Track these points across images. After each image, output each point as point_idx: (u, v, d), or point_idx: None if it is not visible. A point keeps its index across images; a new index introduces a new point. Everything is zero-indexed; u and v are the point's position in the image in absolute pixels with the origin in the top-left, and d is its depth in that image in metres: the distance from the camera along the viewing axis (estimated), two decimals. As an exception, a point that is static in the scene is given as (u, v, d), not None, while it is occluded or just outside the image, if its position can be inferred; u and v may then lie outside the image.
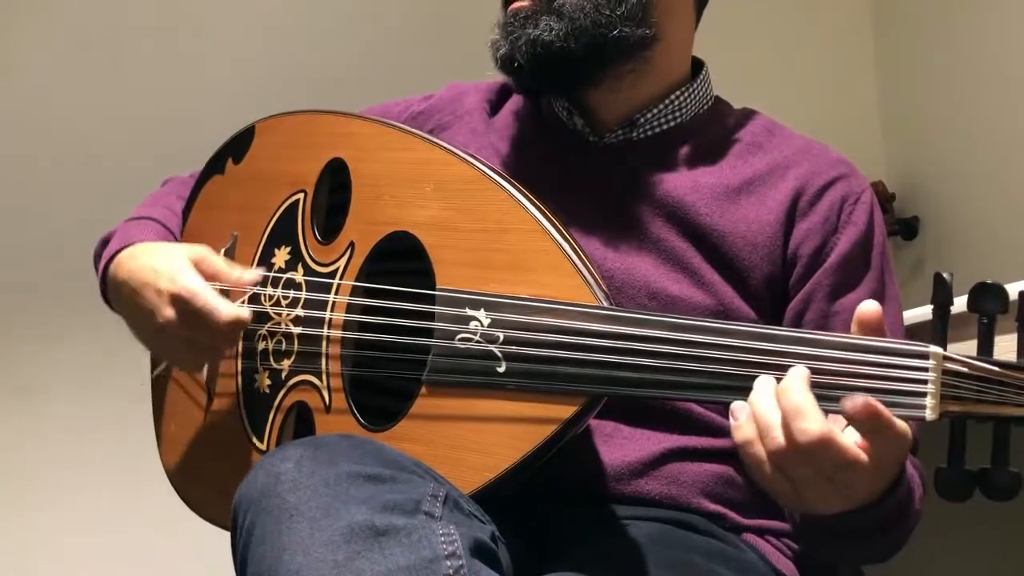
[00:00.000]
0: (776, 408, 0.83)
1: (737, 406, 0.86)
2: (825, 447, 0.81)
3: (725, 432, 1.14)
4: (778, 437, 0.82)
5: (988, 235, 2.30)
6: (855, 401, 0.80)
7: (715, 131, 1.25)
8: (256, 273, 1.14)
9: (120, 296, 1.19)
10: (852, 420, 0.82)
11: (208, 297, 1.08)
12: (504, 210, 1.02)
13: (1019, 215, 2.19)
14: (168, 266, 1.12)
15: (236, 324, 1.08)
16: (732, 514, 1.13)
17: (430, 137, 1.13)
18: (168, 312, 1.10)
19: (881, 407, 0.80)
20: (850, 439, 0.83)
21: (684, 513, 1.10)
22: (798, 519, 1.04)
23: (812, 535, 1.03)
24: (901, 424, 0.83)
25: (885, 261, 1.20)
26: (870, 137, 2.68)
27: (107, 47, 2.37)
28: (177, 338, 1.12)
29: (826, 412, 0.83)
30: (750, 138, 1.25)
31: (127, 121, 2.36)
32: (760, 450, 0.84)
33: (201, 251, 1.15)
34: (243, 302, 1.20)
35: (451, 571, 0.80)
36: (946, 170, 2.47)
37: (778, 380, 0.85)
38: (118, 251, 1.20)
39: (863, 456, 0.82)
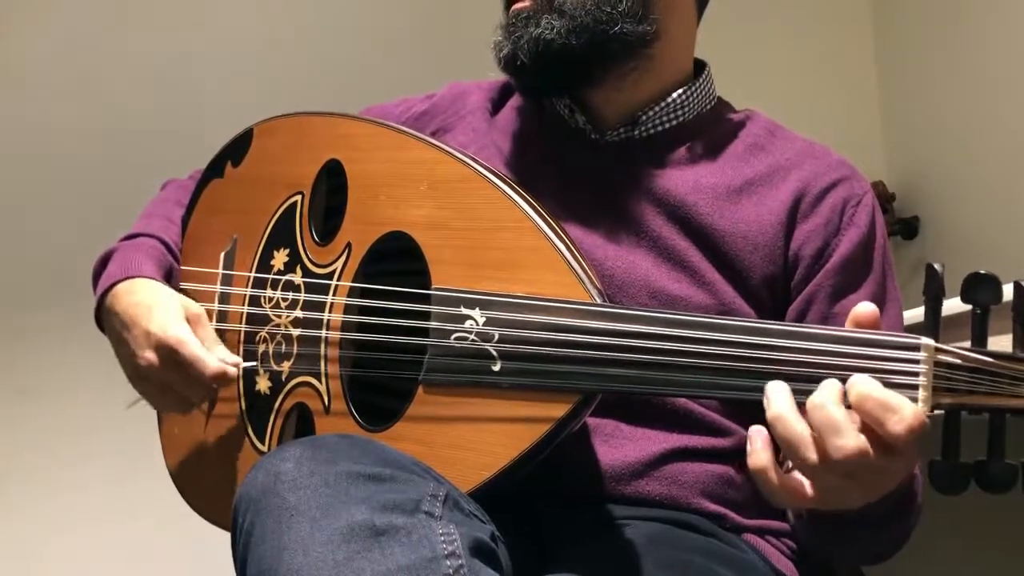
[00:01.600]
0: (801, 422, 0.81)
1: (755, 430, 0.84)
2: (863, 458, 0.80)
3: (726, 431, 1.14)
4: (809, 455, 0.80)
5: (988, 235, 2.30)
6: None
7: (717, 131, 1.25)
8: (235, 360, 1.12)
9: (111, 327, 1.20)
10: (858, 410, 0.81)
11: (196, 348, 1.09)
12: (498, 208, 1.02)
13: (1019, 215, 2.19)
14: (162, 312, 1.13)
15: (221, 378, 1.09)
16: (732, 515, 1.13)
17: (424, 136, 1.14)
18: (150, 356, 1.11)
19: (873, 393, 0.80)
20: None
21: (684, 514, 1.10)
22: (804, 517, 1.04)
23: (817, 532, 1.03)
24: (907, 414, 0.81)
25: (886, 263, 1.20)
26: (870, 137, 2.68)
27: (106, 50, 2.38)
28: (154, 382, 1.13)
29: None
30: (752, 139, 1.25)
31: (127, 123, 2.37)
32: (774, 477, 0.83)
33: (197, 310, 1.16)
34: (243, 303, 1.21)
35: (451, 571, 0.80)
36: (946, 170, 2.47)
37: (786, 379, 0.84)
38: (117, 281, 1.21)
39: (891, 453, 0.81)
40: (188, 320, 1.13)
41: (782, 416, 0.82)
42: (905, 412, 0.79)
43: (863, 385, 0.80)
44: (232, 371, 1.09)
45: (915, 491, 0.99)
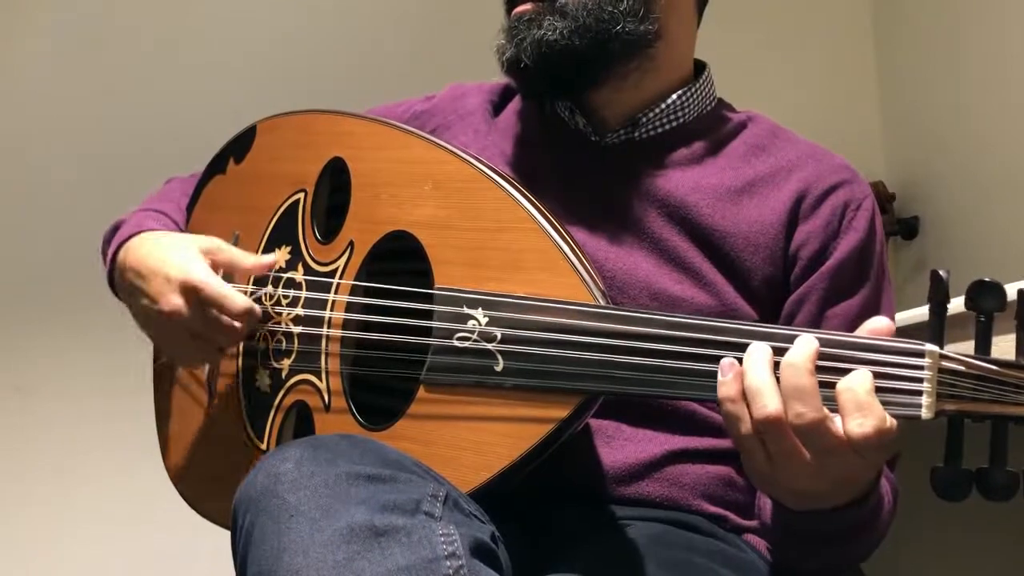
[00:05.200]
0: (770, 375, 0.84)
1: (727, 362, 0.87)
2: (819, 433, 0.82)
3: (727, 433, 1.14)
4: (767, 406, 0.83)
5: (988, 235, 2.29)
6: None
7: (718, 132, 1.25)
8: (270, 258, 1.17)
9: (127, 283, 1.19)
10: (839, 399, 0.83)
11: (220, 286, 1.10)
12: (501, 209, 1.02)
13: (1019, 215, 2.19)
14: (180, 255, 1.13)
15: (248, 314, 1.10)
16: (733, 516, 1.13)
17: (428, 136, 1.13)
18: (176, 300, 1.11)
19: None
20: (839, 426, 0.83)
21: (685, 515, 1.10)
22: (768, 520, 1.05)
23: (779, 535, 1.04)
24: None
25: (882, 270, 1.20)
26: (870, 137, 2.68)
27: (108, 48, 2.38)
28: (181, 329, 1.13)
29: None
30: (753, 140, 1.25)
31: (128, 122, 2.37)
32: (741, 408, 0.85)
33: (213, 242, 1.16)
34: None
35: (451, 571, 0.80)
36: (946, 170, 2.47)
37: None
38: (129, 237, 1.21)
39: (847, 444, 0.83)
40: (207, 253, 1.14)
41: (748, 369, 0.85)
42: (869, 419, 0.81)
43: (851, 379, 0.82)
44: (257, 307, 1.11)
45: (877, 512, 0.99)
